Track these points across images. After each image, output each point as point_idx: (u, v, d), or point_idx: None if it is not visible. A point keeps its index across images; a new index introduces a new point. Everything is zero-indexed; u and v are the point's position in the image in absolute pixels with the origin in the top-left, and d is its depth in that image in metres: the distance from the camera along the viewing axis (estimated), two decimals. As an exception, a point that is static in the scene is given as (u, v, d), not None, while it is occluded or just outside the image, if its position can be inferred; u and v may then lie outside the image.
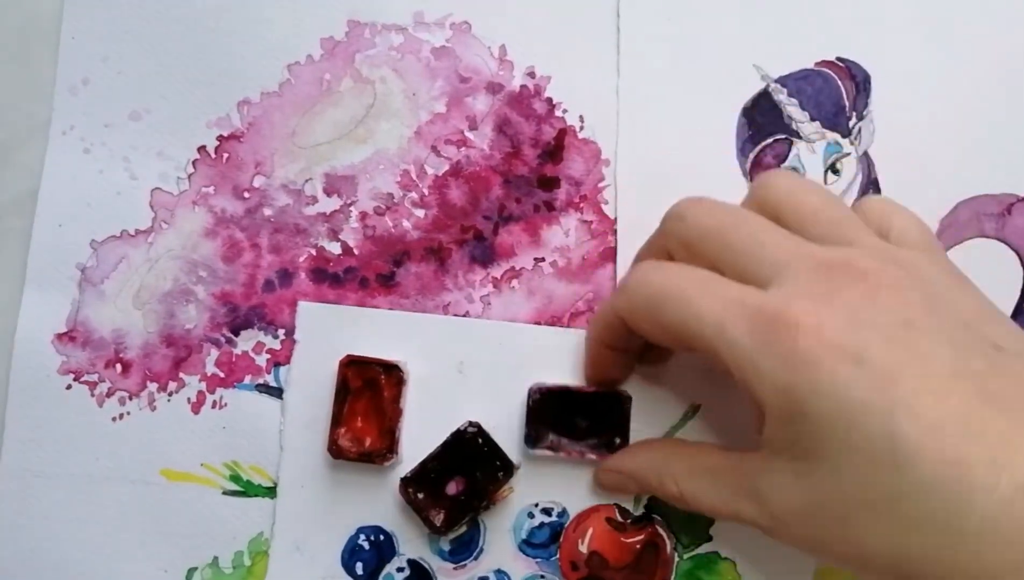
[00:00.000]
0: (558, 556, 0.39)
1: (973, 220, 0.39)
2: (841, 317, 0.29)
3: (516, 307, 0.40)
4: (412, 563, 0.39)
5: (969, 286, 0.32)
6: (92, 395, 0.39)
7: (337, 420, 0.37)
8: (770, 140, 0.39)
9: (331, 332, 0.39)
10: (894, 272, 0.30)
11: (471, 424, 0.37)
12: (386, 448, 0.37)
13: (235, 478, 0.39)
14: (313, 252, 0.40)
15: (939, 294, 0.30)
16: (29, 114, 0.41)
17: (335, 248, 0.40)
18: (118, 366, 0.40)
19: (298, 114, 0.41)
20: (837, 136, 0.39)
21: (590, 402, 0.38)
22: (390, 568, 0.38)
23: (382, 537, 0.39)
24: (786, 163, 0.39)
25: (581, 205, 0.40)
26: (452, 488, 0.37)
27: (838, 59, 0.40)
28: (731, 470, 0.33)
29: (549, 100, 0.41)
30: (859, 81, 0.39)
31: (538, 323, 0.40)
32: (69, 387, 0.39)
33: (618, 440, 0.38)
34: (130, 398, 0.39)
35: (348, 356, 0.38)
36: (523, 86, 0.41)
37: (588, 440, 0.38)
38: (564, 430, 0.38)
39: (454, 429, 0.37)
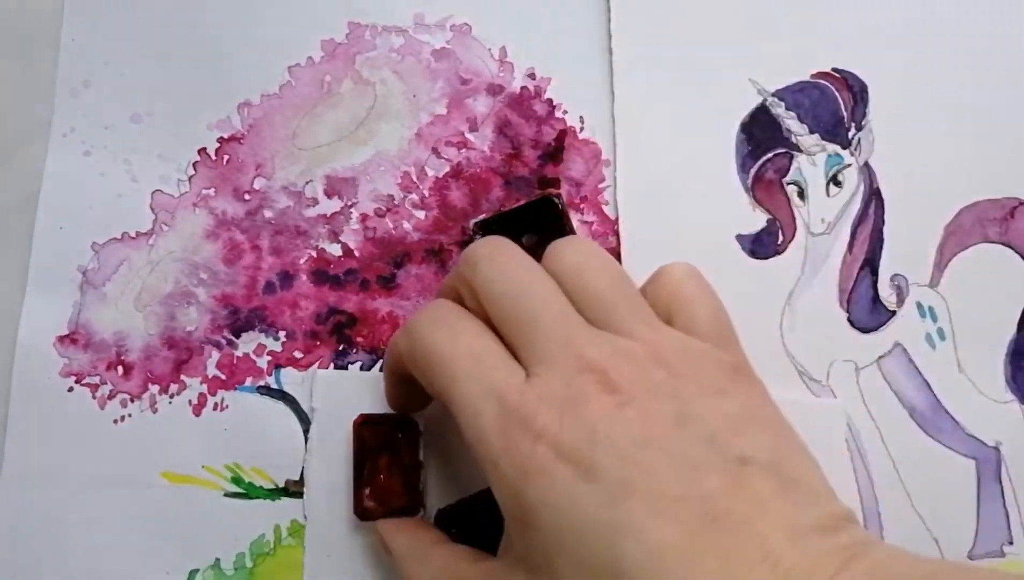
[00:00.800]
0: None
1: (977, 226, 0.39)
2: (582, 429, 0.28)
3: (517, 309, 0.40)
4: None
5: (740, 385, 0.31)
6: (94, 397, 0.39)
7: (360, 481, 0.37)
8: (770, 155, 0.39)
9: (349, 399, 0.39)
10: (652, 378, 0.29)
11: None
12: (412, 503, 0.37)
13: (236, 480, 0.39)
14: (314, 254, 0.40)
15: (696, 402, 0.29)
16: (30, 116, 0.41)
17: (336, 250, 0.40)
18: (119, 368, 0.40)
19: (299, 116, 0.41)
20: (837, 147, 0.39)
21: (527, 217, 0.38)
22: None
23: None
24: (788, 177, 0.39)
25: (582, 206, 0.40)
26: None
27: (834, 70, 0.40)
28: (480, 577, 0.32)
29: (549, 101, 0.41)
30: (856, 91, 0.39)
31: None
32: (71, 389, 0.39)
33: None
34: (132, 400, 0.39)
35: (361, 416, 0.37)
36: (523, 87, 0.41)
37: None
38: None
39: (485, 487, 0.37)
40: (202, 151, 0.41)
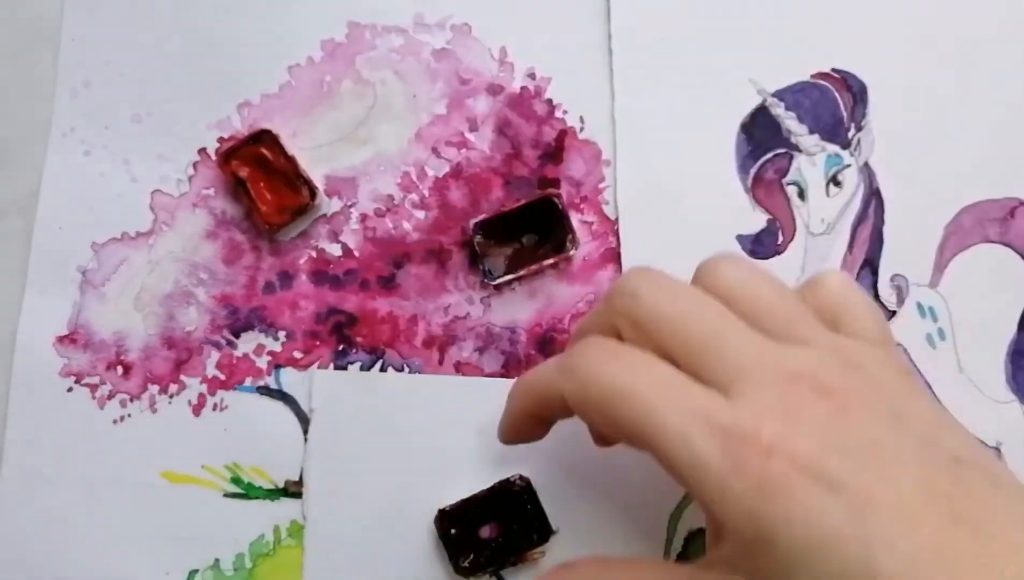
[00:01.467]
0: None
1: (977, 226, 0.39)
2: (813, 440, 0.27)
3: (516, 309, 0.40)
4: None
5: (920, 386, 0.31)
6: (93, 397, 0.39)
7: (255, 208, 0.39)
8: (770, 155, 0.39)
9: (348, 398, 0.39)
10: (857, 382, 0.29)
11: (521, 478, 0.37)
12: (308, 195, 0.39)
13: (236, 480, 0.39)
14: (313, 254, 0.40)
15: (899, 403, 0.29)
16: (30, 116, 0.41)
17: (335, 250, 0.40)
18: (119, 368, 0.40)
19: (298, 116, 0.41)
20: (837, 148, 0.39)
21: (527, 218, 0.39)
22: None
23: None
24: (788, 177, 0.39)
25: (582, 206, 0.40)
26: (486, 532, 0.37)
27: (834, 70, 0.40)
28: None
29: (549, 101, 0.41)
30: (856, 92, 0.39)
31: (539, 325, 0.40)
32: (70, 389, 0.39)
33: (569, 246, 0.39)
34: (131, 400, 0.39)
35: (220, 153, 0.39)
36: (523, 87, 0.41)
37: (541, 254, 0.39)
38: (514, 254, 0.39)
39: (502, 478, 0.37)
40: (202, 151, 0.41)
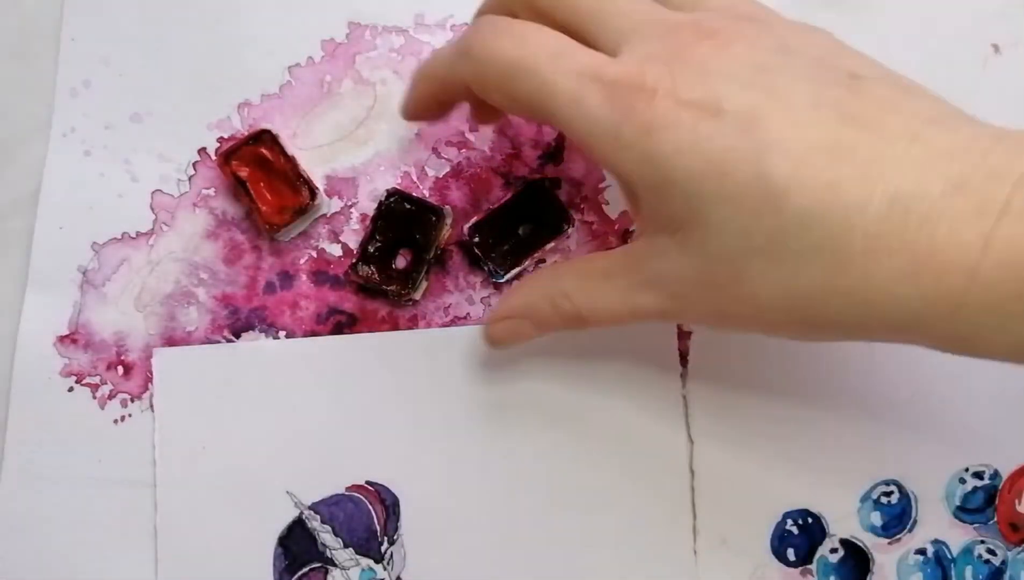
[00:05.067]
0: (996, 519, 0.38)
1: None
2: (693, 73, 0.28)
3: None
4: (845, 543, 0.38)
5: (820, 31, 0.31)
6: (94, 397, 0.39)
7: (256, 207, 0.39)
8: (306, 569, 0.38)
9: (190, 375, 0.39)
10: (744, 26, 0.30)
11: (390, 193, 0.39)
12: (308, 195, 0.39)
13: (236, 481, 0.39)
14: (314, 254, 0.40)
15: (790, 38, 0.30)
16: (30, 115, 0.41)
17: (336, 250, 0.40)
18: (120, 368, 0.40)
19: (298, 116, 0.41)
20: (371, 562, 0.38)
21: (518, 209, 0.39)
22: (823, 551, 0.38)
23: (810, 520, 0.38)
24: None
25: (582, 206, 0.40)
26: (401, 262, 0.39)
27: (368, 483, 0.39)
28: (620, 268, 0.32)
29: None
30: (389, 504, 0.38)
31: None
32: (71, 389, 0.39)
33: (565, 226, 0.39)
34: (132, 400, 0.39)
35: (220, 153, 0.39)
36: (524, 87, 0.41)
37: (540, 241, 0.39)
38: (513, 248, 0.39)
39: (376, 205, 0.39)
40: (202, 151, 0.41)
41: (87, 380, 0.39)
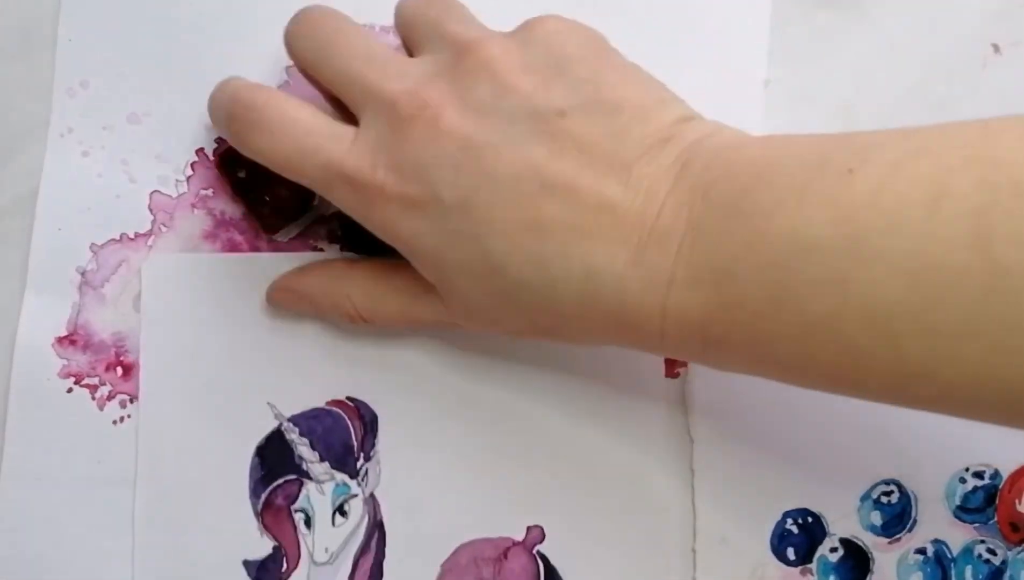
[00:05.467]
0: (996, 519, 0.38)
1: (471, 564, 0.38)
2: (411, 168, 0.31)
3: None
4: (845, 542, 0.38)
5: (535, 32, 0.33)
6: (93, 398, 0.39)
7: (255, 204, 0.39)
8: (281, 480, 0.38)
9: (180, 285, 0.40)
10: (458, 78, 0.32)
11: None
12: (305, 196, 0.38)
13: (235, 481, 0.39)
14: (312, 253, 0.40)
15: (505, 76, 0.32)
16: (28, 116, 0.41)
17: (334, 250, 0.40)
18: (119, 369, 0.40)
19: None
20: (346, 477, 0.38)
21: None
22: (823, 550, 0.38)
23: (810, 519, 0.38)
24: (296, 504, 0.38)
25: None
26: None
27: (349, 398, 0.39)
28: (411, 276, 0.34)
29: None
30: (368, 421, 0.39)
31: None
32: (70, 390, 0.39)
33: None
34: (131, 401, 0.39)
35: (217, 157, 0.39)
36: (522, 87, 0.41)
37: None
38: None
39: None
40: (200, 152, 0.41)
41: (86, 381, 0.39)
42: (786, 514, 0.38)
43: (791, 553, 0.38)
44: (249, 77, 0.40)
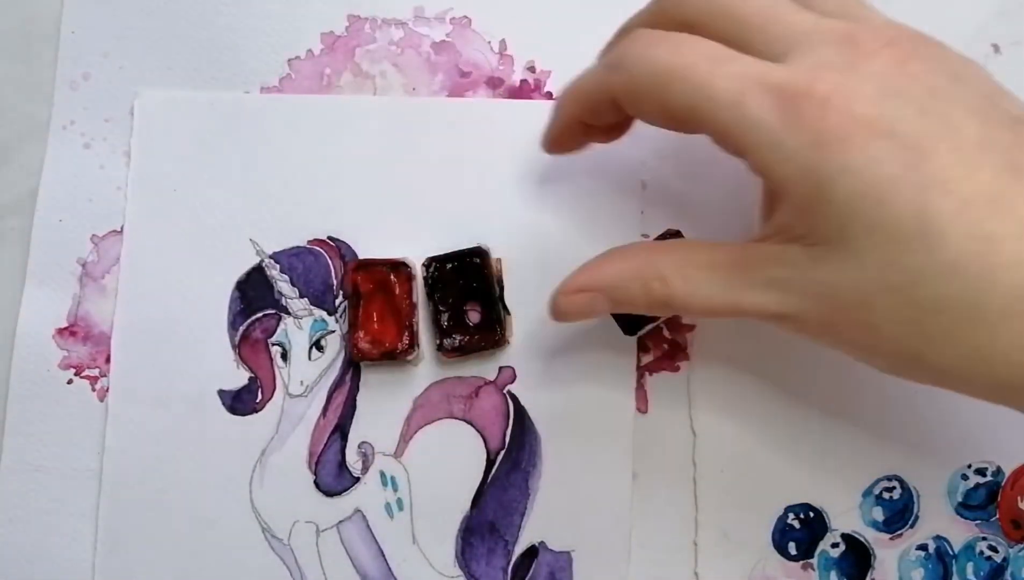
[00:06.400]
0: (997, 516, 0.38)
1: (443, 401, 0.39)
2: (870, 88, 0.27)
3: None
4: (847, 537, 0.38)
5: (977, 64, 0.30)
6: (93, 389, 0.39)
7: (354, 325, 0.38)
8: (260, 314, 0.39)
9: (175, 123, 0.40)
10: (919, 43, 0.29)
11: (426, 264, 0.38)
12: (407, 344, 0.38)
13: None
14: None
15: (959, 66, 0.29)
16: (29, 113, 0.41)
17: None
18: (118, 361, 0.40)
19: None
20: (324, 313, 0.39)
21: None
22: (824, 545, 0.38)
23: (812, 514, 0.38)
24: (274, 337, 0.39)
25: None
26: (474, 317, 0.38)
27: (330, 238, 0.40)
28: (731, 262, 0.30)
29: (549, 94, 0.40)
30: (347, 260, 0.39)
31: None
32: (70, 382, 0.39)
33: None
34: (130, 393, 0.39)
35: (356, 261, 0.38)
36: (523, 80, 0.41)
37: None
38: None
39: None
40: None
41: (86, 372, 0.39)
42: (788, 509, 0.38)
43: (792, 548, 0.38)
44: (250, 69, 0.41)
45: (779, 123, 0.27)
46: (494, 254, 0.38)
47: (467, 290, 0.38)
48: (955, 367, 0.27)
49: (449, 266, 0.37)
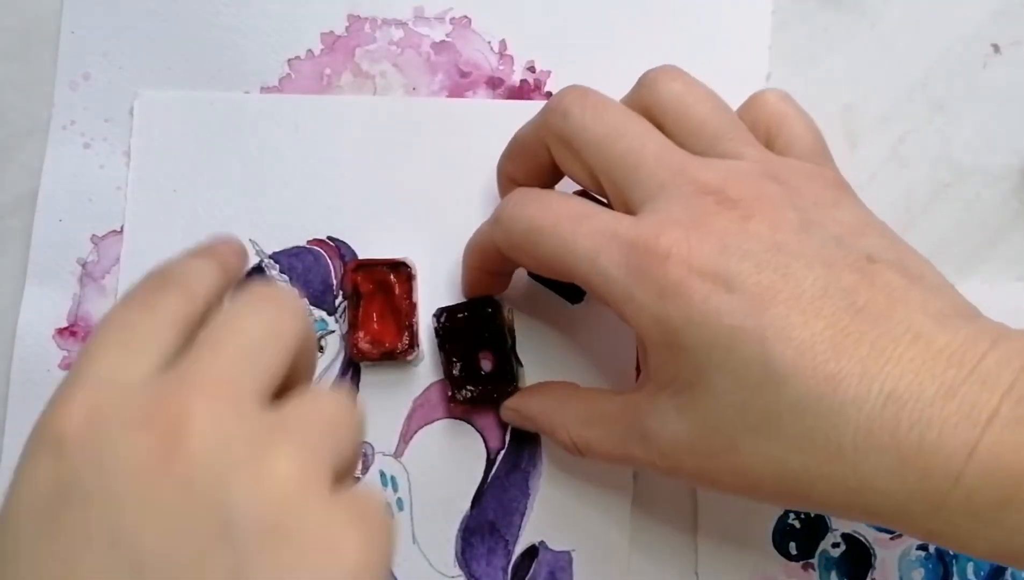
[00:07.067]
0: None
1: (442, 401, 0.39)
2: (711, 244, 0.29)
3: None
4: (847, 537, 0.38)
5: (848, 198, 0.32)
6: (92, 390, 0.39)
7: (354, 325, 0.38)
8: None
9: (174, 123, 0.40)
10: (770, 193, 0.30)
11: (437, 315, 0.37)
12: (407, 344, 0.38)
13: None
14: (313, 246, 0.40)
15: (814, 211, 0.30)
16: (29, 113, 0.41)
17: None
18: (118, 361, 0.39)
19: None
20: (324, 313, 0.39)
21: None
22: (825, 545, 0.38)
23: (812, 514, 0.38)
24: None
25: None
26: (487, 365, 0.38)
27: (329, 238, 0.40)
28: (620, 414, 0.32)
29: (549, 95, 0.40)
30: (347, 261, 0.39)
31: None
32: (70, 382, 0.39)
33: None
34: (130, 393, 0.39)
35: (355, 261, 0.38)
36: (523, 81, 0.41)
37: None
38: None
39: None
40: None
41: (85, 372, 0.39)
42: (788, 509, 0.38)
43: (793, 548, 0.38)
44: (250, 69, 0.41)
45: (629, 276, 0.29)
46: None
47: (479, 339, 0.37)
48: (833, 500, 0.28)
49: (460, 316, 0.37)
